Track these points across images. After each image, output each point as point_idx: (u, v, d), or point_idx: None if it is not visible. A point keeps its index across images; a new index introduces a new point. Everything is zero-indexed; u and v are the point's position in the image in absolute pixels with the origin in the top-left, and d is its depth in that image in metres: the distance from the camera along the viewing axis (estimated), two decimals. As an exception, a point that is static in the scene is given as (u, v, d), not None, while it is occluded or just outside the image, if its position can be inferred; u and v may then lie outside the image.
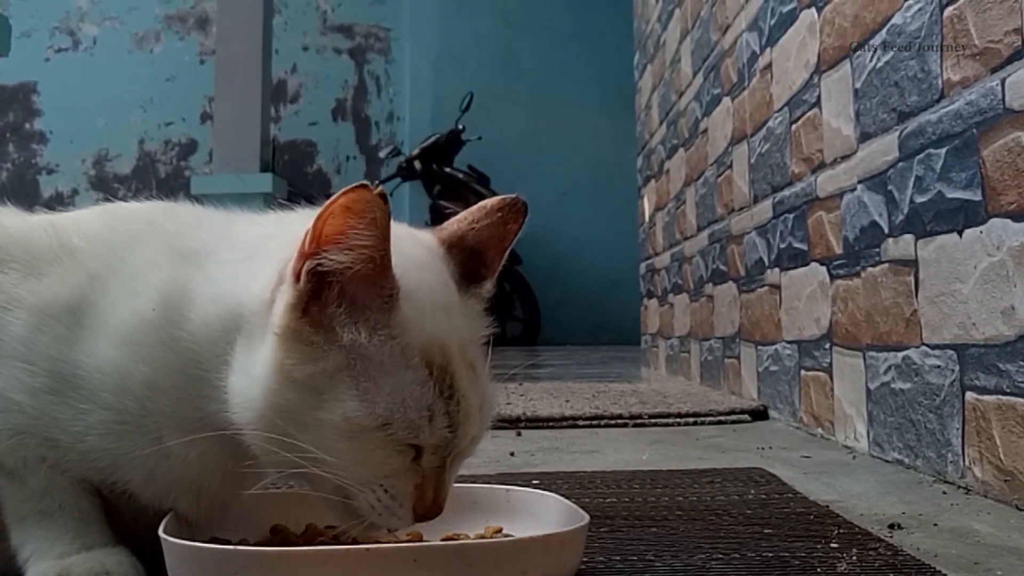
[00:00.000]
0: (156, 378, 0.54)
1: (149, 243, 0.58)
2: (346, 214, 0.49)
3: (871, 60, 1.15)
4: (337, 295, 0.51)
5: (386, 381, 0.51)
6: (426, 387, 0.51)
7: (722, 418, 1.53)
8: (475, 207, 0.60)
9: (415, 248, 0.57)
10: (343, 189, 0.49)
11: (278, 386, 0.50)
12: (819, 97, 1.34)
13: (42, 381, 0.54)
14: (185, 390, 0.54)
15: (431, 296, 0.54)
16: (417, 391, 0.51)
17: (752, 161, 1.73)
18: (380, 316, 0.51)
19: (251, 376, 0.51)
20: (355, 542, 0.54)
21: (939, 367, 0.96)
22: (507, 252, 0.60)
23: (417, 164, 4.95)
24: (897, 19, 1.07)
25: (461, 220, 0.60)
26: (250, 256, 0.55)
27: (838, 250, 1.27)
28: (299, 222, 0.55)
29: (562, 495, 0.65)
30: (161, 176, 5.55)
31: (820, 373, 1.34)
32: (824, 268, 1.32)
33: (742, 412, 1.56)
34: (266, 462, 0.53)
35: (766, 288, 1.63)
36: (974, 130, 0.88)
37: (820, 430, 1.34)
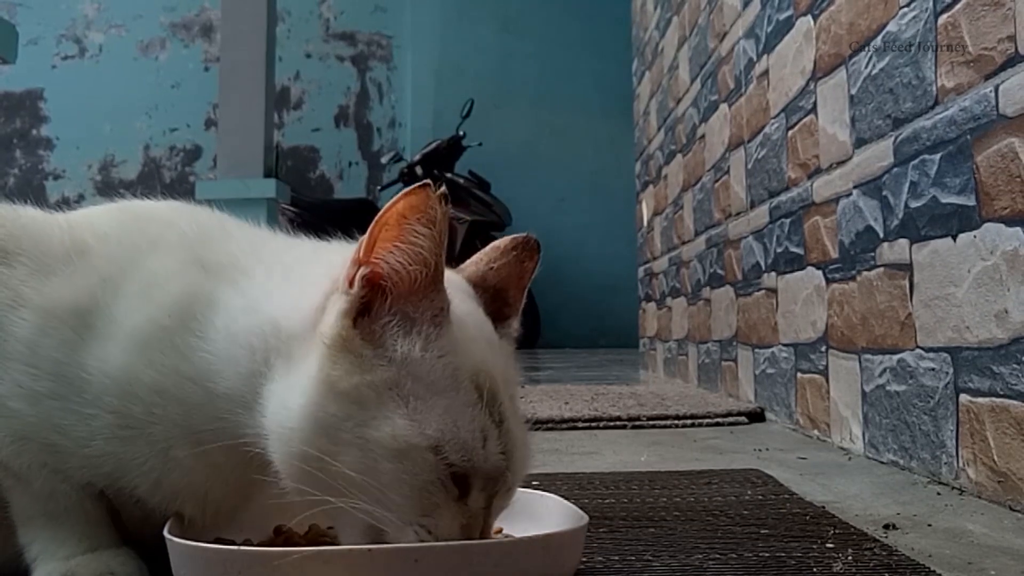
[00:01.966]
0: (165, 384, 0.53)
1: (167, 249, 0.56)
2: (408, 212, 0.48)
3: (866, 67, 1.16)
4: (389, 306, 0.50)
5: (437, 401, 0.49)
6: (477, 409, 0.49)
7: (719, 420, 1.53)
8: (489, 248, 0.59)
9: (453, 276, 0.56)
10: (403, 191, 0.48)
11: (320, 398, 0.48)
12: (815, 103, 1.35)
13: (45, 385, 0.53)
14: (197, 400, 0.53)
15: (475, 323, 0.53)
16: (469, 413, 0.49)
17: (749, 167, 1.74)
18: (431, 331, 0.49)
19: (292, 390, 0.49)
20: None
21: (933, 370, 0.97)
22: (526, 290, 0.59)
23: (418, 170, 4.97)
24: (892, 26, 1.08)
25: (478, 261, 0.59)
26: (287, 279, 0.54)
27: (834, 254, 1.27)
28: (337, 251, 0.55)
29: (562, 496, 0.65)
30: (166, 181, 5.58)
31: (816, 376, 1.35)
32: (820, 272, 1.33)
33: (739, 414, 1.57)
34: (294, 491, 0.50)
35: (763, 292, 1.64)
36: (968, 136, 0.89)
37: (816, 432, 1.34)
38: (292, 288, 0.53)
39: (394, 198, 0.49)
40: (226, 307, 0.53)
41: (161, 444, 0.53)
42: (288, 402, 0.49)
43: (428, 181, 0.48)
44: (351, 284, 0.50)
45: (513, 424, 0.52)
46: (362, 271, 0.50)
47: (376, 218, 0.49)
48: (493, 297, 0.58)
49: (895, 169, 1.07)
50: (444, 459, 0.48)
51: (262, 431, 0.51)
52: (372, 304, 0.50)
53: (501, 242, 0.59)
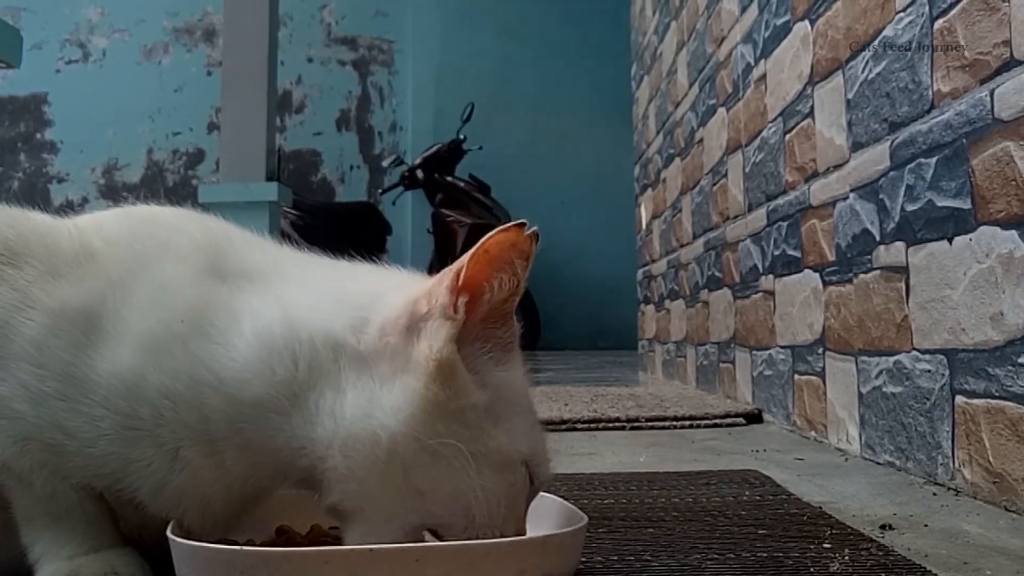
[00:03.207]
0: (176, 388, 0.53)
1: (179, 254, 0.56)
2: (512, 249, 0.52)
3: (863, 71, 1.16)
4: (478, 334, 0.53)
5: (519, 421, 0.54)
6: (538, 427, 0.55)
7: (717, 421, 1.54)
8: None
9: None
10: (499, 228, 0.52)
11: (426, 415, 0.51)
12: (812, 108, 1.36)
13: (52, 386, 0.52)
14: (215, 405, 0.53)
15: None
16: (536, 430, 0.55)
17: (747, 170, 1.75)
18: (510, 356, 0.54)
19: (379, 402, 0.51)
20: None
21: (930, 371, 0.98)
22: (523, 291, 0.61)
23: (419, 173, 4.99)
24: (888, 31, 1.09)
25: None
26: (337, 297, 0.55)
27: (831, 257, 1.28)
28: (364, 272, 0.59)
29: (561, 496, 0.66)
30: (169, 185, 5.60)
31: (813, 377, 1.35)
32: (817, 275, 1.34)
33: (737, 415, 1.57)
34: (344, 489, 0.52)
35: (760, 294, 1.65)
36: (964, 140, 0.90)
37: (813, 433, 1.35)
38: (346, 308, 0.55)
39: (492, 232, 0.52)
40: (256, 316, 0.54)
41: (169, 445, 0.54)
42: (375, 414, 0.51)
43: (523, 221, 0.52)
44: (455, 310, 0.52)
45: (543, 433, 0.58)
46: (463, 299, 0.52)
47: (473, 251, 0.52)
48: None
49: (891, 173, 1.08)
50: (529, 472, 0.54)
51: (309, 435, 0.52)
52: (464, 330, 0.53)
53: None
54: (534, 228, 0.52)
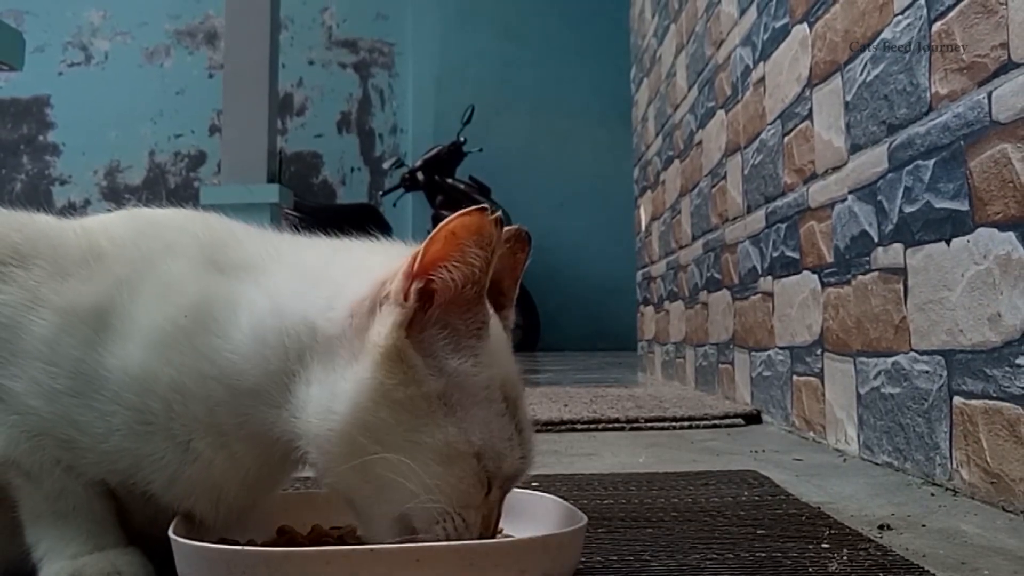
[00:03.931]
0: (184, 382, 0.54)
1: (182, 252, 0.57)
2: (466, 234, 0.50)
3: (861, 74, 1.17)
4: (438, 318, 0.52)
5: (478, 411, 0.52)
6: (505, 418, 0.53)
7: (716, 422, 1.54)
8: None
9: None
10: (459, 212, 0.50)
11: (373, 404, 0.50)
12: (811, 110, 1.36)
13: (64, 383, 0.53)
14: (220, 398, 0.54)
15: (497, 330, 0.55)
16: (500, 422, 0.53)
17: (745, 172, 1.76)
18: (475, 344, 0.52)
19: (337, 395, 0.51)
20: (359, 542, 0.55)
21: (927, 372, 0.98)
22: (519, 281, 0.61)
23: (420, 175, 5.00)
24: (887, 33, 1.09)
25: None
26: (317, 281, 0.55)
27: (829, 259, 1.29)
28: (361, 251, 0.57)
29: (561, 497, 0.66)
30: (171, 187, 5.62)
31: (812, 378, 1.36)
32: (816, 276, 1.34)
33: (736, 416, 1.58)
34: (322, 472, 0.53)
35: (759, 296, 1.65)
36: (961, 142, 0.90)
37: (812, 434, 1.35)
38: (323, 290, 0.54)
39: (450, 217, 0.50)
40: (250, 307, 0.55)
41: (181, 438, 0.55)
42: (334, 405, 0.51)
43: (484, 205, 0.51)
44: (406, 297, 0.51)
45: (527, 427, 0.55)
46: (417, 284, 0.51)
47: (432, 235, 0.50)
48: (490, 291, 0.59)
49: (890, 175, 1.08)
50: (483, 464, 0.52)
51: (294, 429, 0.53)
52: (421, 315, 0.51)
53: None
54: (497, 213, 0.50)
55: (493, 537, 0.55)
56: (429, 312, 0.51)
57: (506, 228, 0.60)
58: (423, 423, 0.50)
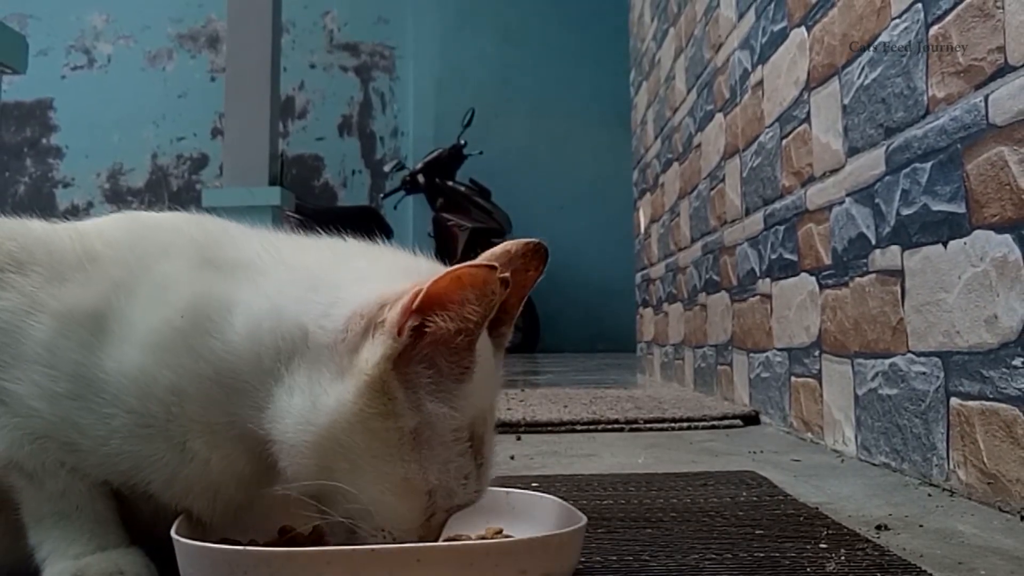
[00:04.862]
0: (182, 384, 0.54)
1: (177, 254, 0.57)
2: (467, 287, 0.50)
3: (859, 77, 1.18)
4: (425, 357, 0.51)
5: (441, 452, 0.53)
6: (466, 457, 0.54)
7: (715, 423, 1.55)
8: (499, 250, 0.59)
9: None
10: (469, 262, 0.50)
11: (349, 426, 0.51)
12: (809, 113, 1.37)
13: (64, 386, 0.54)
14: (215, 397, 0.54)
15: (483, 366, 0.54)
16: (460, 462, 0.53)
17: (744, 175, 1.76)
18: (455, 388, 0.52)
19: (318, 404, 0.51)
20: (360, 542, 0.55)
21: (925, 374, 0.98)
22: (525, 298, 0.60)
23: (420, 178, 5.02)
24: (884, 37, 1.10)
25: None
26: (315, 286, 0.55)
27: (827, 261, 1.29)
28: (360, 258, 0.57)
29: (560, 497, 0.66)
30: (173, 189, 5.63)
31: (810, 379, 1.36)
32: (813, 278, 1.35)
33: (734, 417, 1.58)
34: (291, 476, 0.53)
35: (757, 297, 1.66)
36: (958, 145, 0.91)
37: (810, 435, 1.36)
38: (322, 296, 0.54)
39: (461, 266, 0.50)
40: (247, 307, 0.55)
41: (177, 439, 0.55)
42: (313, 418, 0.51)
43: (495, 264, 0.50)
44: (400, 332, 0.51)
45: (490, 454, 0.56)
46: (412, 322, 0.51)
47: (439, 276, 0.50)
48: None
49: (887, 177, 1.09)
50: (432, 502, 0.53)
51: (270, 433, 0.53)
52: (411, 351, 0.51)
53: (512, 245, 0.59)
54: (506, 275, 0.50)
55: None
56: (418, 348, 0.51)
57: (527, 241, 0.59)
58: (390, 454, 0.51)
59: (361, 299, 0.52)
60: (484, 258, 0.57)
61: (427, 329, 0.51)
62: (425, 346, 0.51)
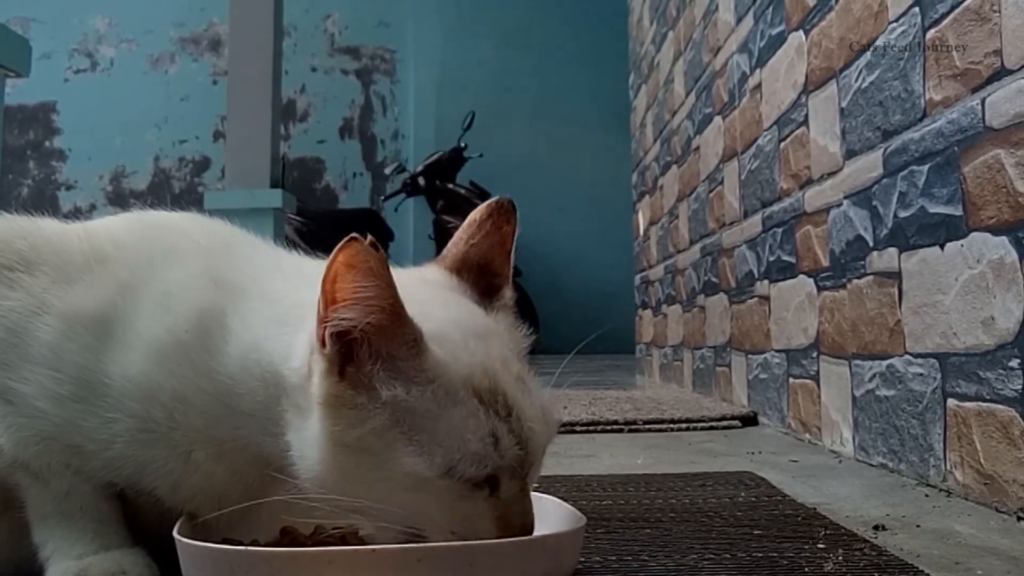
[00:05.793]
0: (184, 392, 0.54)
1: (183, 259, 0.57)
2: (345, 271, 0.48)
3: (856, 80, 1.18)
4: (368, 352, 0.50)
5: (439, 426, 0.50)
6: (480, 415, 0.50)
7: (714, 424, 1.55)
8: (465, 223, 0.59)
9: (424, 289, 0.56)
10: (337, 247, 0.48)
11: (329, 453, 0.50)
12: (807, 116, 1.38)
13: (68, 389, 0.54)
14: (217, 413, 0.54)
15: (458, 328, 0.53)
16: (473, 423, 0.50)
17: (742, 177, 1.77)
18: (412, 363, 0.50)
19: (305, 442, 0.51)
20: (361, 542, 0.56)
21: (922, 375, 0.99)
22: (512, 254, 0.59)
23: (421, 180, 5.03)
24: (881, 41, 1.10)
25: (457, 242, 0.59)
26: (286, 320, 0.54)
27: (825, 263, 1.30)
28: (314, 282, 0.53)
29: (560, 498, 0.67)
30: (175, 192, 5.65)
31: (808, 381, 1.36)
32: (811, 280, 1.35)
33: (733, 418, 1.58)
34: (328, 510, 0.53)
35: (756, 299, 1.66)
36: (955, 148, 0.91)
37: (808, 435, 1.36)
38: (285, 332, 0.53)
39: (329, 258, 0.49)
40: (237, 338, 0.54)
41: (182, 448, 0.55)
42: (306, 454, 0.51)
43: (355, 235, 0.48)
44: (323, 343, 0.50)
45: (524, 401, 0.52)
46: (330, 329, 0.50)
47: (322, 277, 0.49)
48: (479, 273, 0.58)
49: (884, 180, 1.09)
50: (460, 477, 0.50)
51: (291, 457, 0.53)
52: (353, 353, 0.50)
53: (476, 213, 0.59)
54: (370, 238, 0.48)
55: (524, 528, 0.53)
56: (355, 348, 0.50)
57: (488, 202, 0.59)
58: (383, 458, 0.49)
59: (313, 328, 0.51)
60: (453, 241, 0.56)
61: (343, 327, 0.49)
62: (358, 343, 0.49)
